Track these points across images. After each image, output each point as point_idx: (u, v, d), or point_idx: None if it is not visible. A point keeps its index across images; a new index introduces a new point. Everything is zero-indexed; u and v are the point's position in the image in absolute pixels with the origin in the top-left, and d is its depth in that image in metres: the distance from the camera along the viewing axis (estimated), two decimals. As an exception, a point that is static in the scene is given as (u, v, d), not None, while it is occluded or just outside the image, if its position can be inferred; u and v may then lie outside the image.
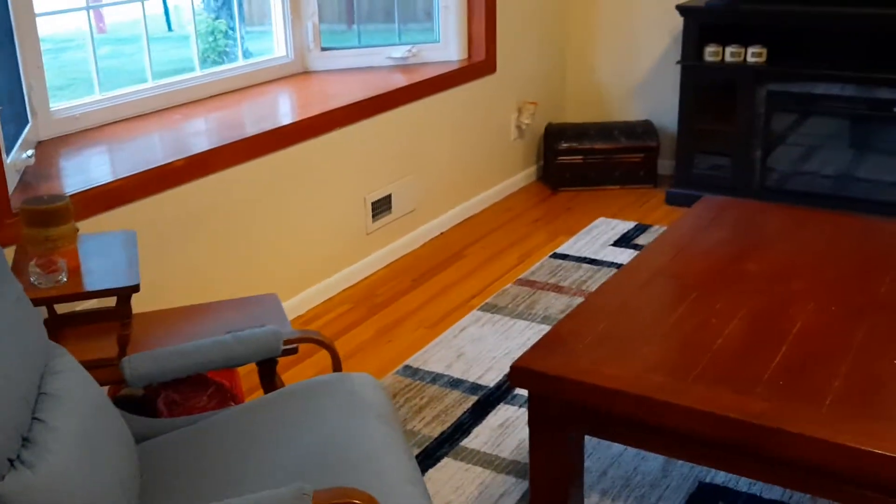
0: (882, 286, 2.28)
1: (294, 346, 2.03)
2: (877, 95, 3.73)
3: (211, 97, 3.35)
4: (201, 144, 2.87)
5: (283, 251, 3.18)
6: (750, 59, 3.94)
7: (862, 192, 3.93)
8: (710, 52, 4.01)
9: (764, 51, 3.94)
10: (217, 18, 7.35)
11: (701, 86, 4.09)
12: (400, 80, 3.68)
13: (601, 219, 4.06)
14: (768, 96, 3.93)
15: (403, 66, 3.88)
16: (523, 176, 4.55)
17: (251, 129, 3.02)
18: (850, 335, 2.05)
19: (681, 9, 4.02)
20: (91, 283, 2.09)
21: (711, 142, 4.19)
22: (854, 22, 3.74)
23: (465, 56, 4.04)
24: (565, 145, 4.42)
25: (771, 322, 2.12)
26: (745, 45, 3.96)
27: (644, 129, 4.46)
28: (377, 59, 3.88)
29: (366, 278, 3.54)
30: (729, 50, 3.97)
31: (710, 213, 2.85)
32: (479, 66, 4.03)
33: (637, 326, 2.13)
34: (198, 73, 3.37)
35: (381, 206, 3.60)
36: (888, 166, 3.86)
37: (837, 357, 1.95)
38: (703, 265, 2.50)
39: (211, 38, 7.28)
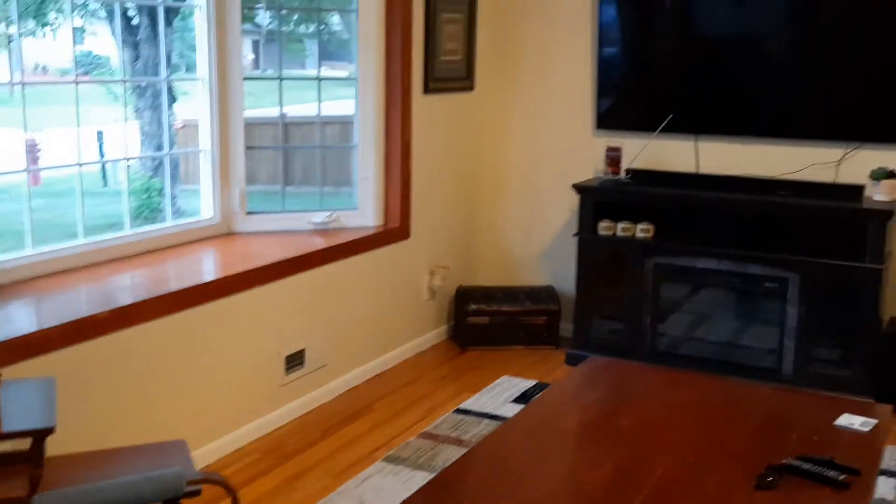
0: (737, 442, 2.56)
1: (197, 487, 2.19)
2: (749, 271, 4.15)
3: (140, 254, 3.58)
4: (125, 298, 3.08)
5: (198, 401, 3.35)
6: (639, 234, 4.36)
7: (744, 358, 4.28)
8: (604, 227, 4.41)
9: (652, 227, 4.36)
10: (153, 177, 7.67)
11: (596, 256, 4.48)
12: (319, 244, 3.97)
13: (505, 377, 4.32)
14: (655, 268, 4.33)
15: (323, 231, 4.18)
16: (434, 335, 4.83)
17: (174, 285, 3.25)
18: (703, 484, 2.30)
19: (577, 187, 4.45)
20: (8, 424, 2.25)
21: (607, 307, 4.53)
22: (730, 206, 4.20)
23: (382, 222, 4.38)
24: (474, 307, 4.73)
25: (634, 471, 2.37)
26: (636, 221, 4.38)
27: (547, 294, 4.81)
28: (299, 224, 4.18)
29: (277, 429, 3.70)
30: (620, 225, 4.39)
31: (592, 373, 3.13)
32: (393, 232, 4.36)
33: (514, 474, 2.35)
34: (128, 231, 3.61)
35: (295, 360, 3.81)
36: (765, 335, 4.23)
37: (690, 502, 2.20)
38: (580, 419, 2.76)
39: (146, 196, 7.58)
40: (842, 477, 2.23)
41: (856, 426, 2.60)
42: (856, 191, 4.12)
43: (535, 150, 4.95)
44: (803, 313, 4.05)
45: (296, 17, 4.37)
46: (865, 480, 2.27)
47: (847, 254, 3.94)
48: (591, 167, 4.73)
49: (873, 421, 2.63)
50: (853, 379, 3.98)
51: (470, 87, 4.82)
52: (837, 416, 2.68)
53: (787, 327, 4.10)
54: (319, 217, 4.21)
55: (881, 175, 3.99)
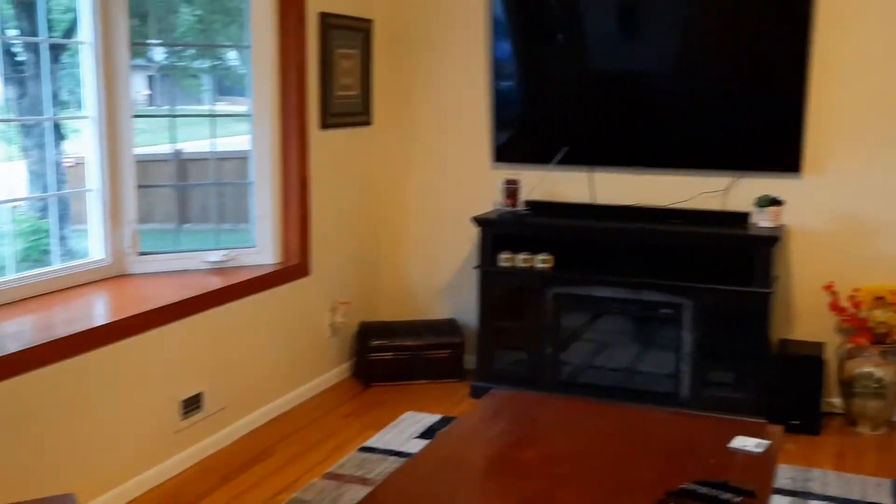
0: (638, 469, 2.59)
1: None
2: (646, 298, 4.24)
3: (26, 299, 3.43)
4: (11, 345, 2.93)
5: (89, 451, 3.21)
6: (538, 265, 4.41)
7: (644, 384, 4.35)
8: (504, 259, 4.45)
9: (551, 258, 4.42)
10: (42, 217, 7.38)
11: (497, 288, 4.51)
12: (215, 283, 3.88)
13: (409, 412, 4.29)
14: (555, 298, 4.38)
15: (220, 270, 4.09)
16: (337, 372, 4.77)
17: (62, 330, 3.11)
18: (604, 513, 2.32)
19: (476, 220, 4.48)
20: None
21: (509, 338, 4.56)
22: (625, 234, 4.29)
23: (280, 260, 4.31)
24: (377, 342, 4.69)
25: (539, 502, 2.37)
26: (535, 252, 4.43)
27: (450, 327, 4.82)
28: (194, 263, 4.08)
29: (174, 477, 3.58)
30: (520, 257, 4.43)
31: (495, 406, 3.13)
32: (293, 269, 4.30)
33: (417, 512, 2.33)
34: (12, 275, 3.46)
35: (192, 405, 3.70)
36: (663, 361, 4.32)
37: (589, 533, 2.21)
38: (484, 453, 2.76)
39: (34, 238, 7.27)
40: (737, 499, 2.28)
41: (749, 448, 2.67)
42: (742, 218, 4.27)
43: (435, 184, 4.97)
44: (698, 338, 4.16)
45: (191, 51, 4.29)
46: (760, 501, 2.32)
47: (737, 279, 4.07)
48: (490, 200, 4.78)
49: (766, 442, 2.71)
50: (747, 400, 4.10)
51: (367, 122, 4.82)
52: (732, 438, 2.74)
53: (683, 352, 4.20)
54: (215, 256, 4.12)
55: (766, 202, 4.15)
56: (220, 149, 4.30)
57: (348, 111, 4.63)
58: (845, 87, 4.16)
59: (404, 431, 4.06)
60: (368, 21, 4.72)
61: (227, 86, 6.17)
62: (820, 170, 4.24)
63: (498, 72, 4.69)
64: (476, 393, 4.51)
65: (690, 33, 4.38)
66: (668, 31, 4.40)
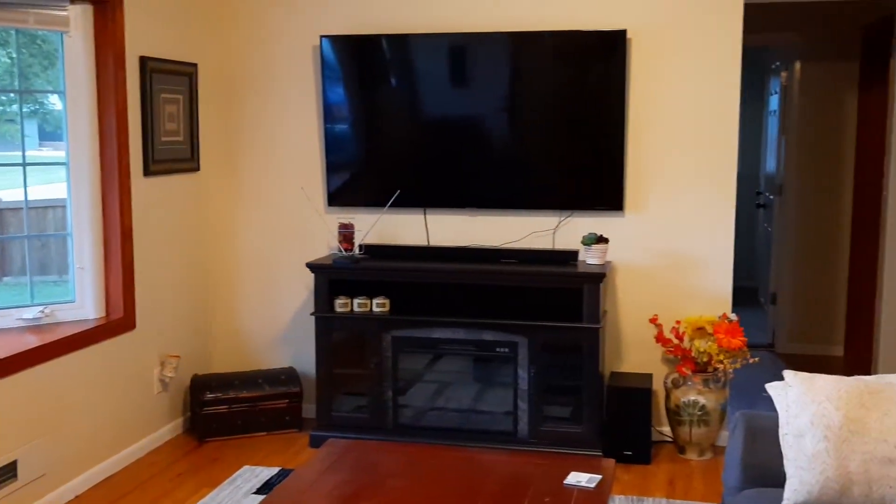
0: (474, 512, 2.58)
1: None
2: (483, 338, 4.29)
3: None
4: None
5: None
6: (375, 309, 4.38)
7: (484, 423, 4.38)
8: (340, 304, 4.40)
9: (387, 301, 4.40)
10: None
11: (335, 334, 4.44)
12: (31, 342, 3.63)
13: (246, 467, 4.13)
14: (393, 342, 4.36)
15: (36, 327, 3.84)
16: (169, 429, 4.55)
17: None
18: (443, 561, 2.29)
19: (311, 266, 4.42)
20: None
21: (349, 384, 4.50)
22: (460, 275, 4.33)
23: (103, 314, 4.09)
24: (211, 395, 4.52)
25: (375, 556, 2.31)
26: (372, 296, 4.40)
27: (287, 376, 4.70)
28: (7, 321, 3.81)
29: (-15, 555, 3.30)
30: (356, 301, 4.39)
31: (332, 456, 3.06)
32: (117, 323, 4.09)
33: (249, 575, 2.22)
34: None
35: (6, 473, 3.42)
36: (501, 399, 4.36)
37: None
38: (320, 507, 2.67)
39: None
40: (572, 536, 2.30)
41: (583, 483, 2.72)
42: (571, 256, 4.40)
43: (268, 230, 4.87)
44: (533, 375, 4.23)
45: (10, 95, 4.04)
46: (593, 536, 2.36)
47: (568, 315, 4.18)
48: (325, 245, 4.73)
49: (598, 476, 2.76)
50: (584, 434, 4.19)
51: (195, 168, 4.67)
52: (567, 474, 2.78)
53: (520, 390, 4.26)
54: (31, 312, 3.87)
55: (592, 240, 4.29)
56: (45, 196, 4.06)
57: (174, 157, 4.48)
58: (658, 134, 4.38)
59: (241, 488, 3.90)
60: (193, 65, 4.59)
61: (49, 132, 5.86)
62: (640, 208, 4.43)
63: (330, 116, 4.66)
64: (315, 442, 4.41)
65: (517, 81, 4.51)
66: (497, 78, 4.50)
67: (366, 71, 4.61)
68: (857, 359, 5.57)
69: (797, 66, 6.09)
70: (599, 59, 4.35)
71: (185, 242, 4.64)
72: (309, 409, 4.71)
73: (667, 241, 4.43)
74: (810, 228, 6.16)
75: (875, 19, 5.36)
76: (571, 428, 4.24)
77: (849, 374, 5.53)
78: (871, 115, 5.44)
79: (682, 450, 4.34)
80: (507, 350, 4.27)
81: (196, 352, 4.78)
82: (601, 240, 4.30)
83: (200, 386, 4.56)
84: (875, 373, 5.07)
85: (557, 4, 4.40)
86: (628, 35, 4.33)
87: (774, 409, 2.79)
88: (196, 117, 4.63)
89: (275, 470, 4.10)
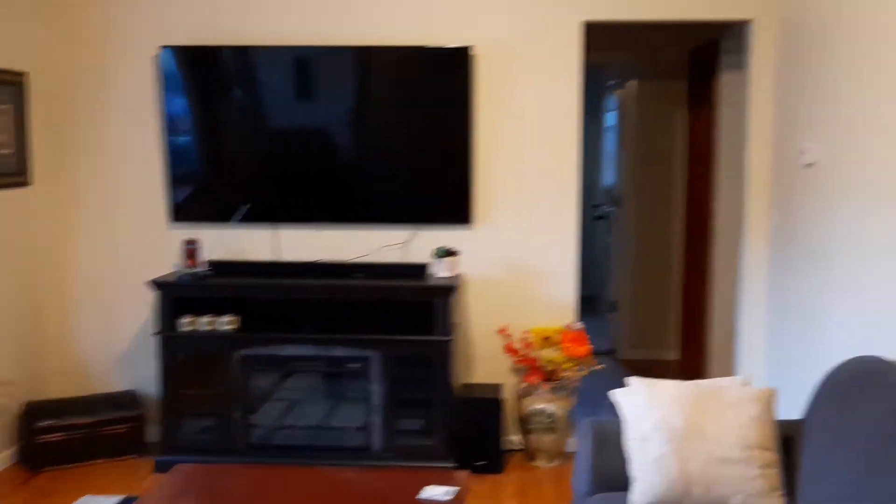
0: (330, 532, 2.54)
1: None
2: (335, 353, 4.25)
3: None
4: None
5: None
6: (223, 327, 4.26)
7: (337, 439, 4.33)
8: (185, 323, 4.25)
9: (236, 319, 4.29)
10: None
11: (180, 354, 4.29)
12: None
13: (87, 497, 3.93)
14: (242, 360, 4.25)
15: None
16: (-2, 461, 4.27)
17: None
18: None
19: (154, 284, 4.25)
20: None
21: (197, 406, 4.35)
22: (311, 291, 4.27)
23: (-77, 340, 3.80)
24: (45, 423, 4.27)
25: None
26: (219, 314, 4.28)
27: (129, 400, 4.50)
28: None
29: None
30: (203, 320, 4.26)
31: (179, 482, 2.94)
32: (-61, 349, 3.80)
33: None
34: None
35: None
36: (354, 414, 4.33)
37: None
38: (168, 537, 2.57)
39: None
40: (429, 551, 2.30)
41: (439, 496, 2.73)
42: (422, 269, 4.43)
43: (106, 247, 4.65)
44: (386, 389, 4.22)
45: None
46: (450, 550, 2.37)
47: (419, 328, 4.20)
48: (168, 261, 4.56)
49: (454, 489, 2.78)
50: (437, 446, 4.22)
51: (25, 183, 4.41)
52: (422, 489, 2.79)
53: (373, 404, 4.24)
54: None
55: (442, 254, 4.34)
56: None
57: (2, 171, 4.22)
58: (505, 148, 4.48)
59: (80, 519, 3.70)
60: (21, 74, 4.34)
61: None
62: (489, 222, 4.51)
63: (172, 127, 4.51)
64: (161, 468, 4.24)
65: (365, 95, 4.51)
66: (343, 92, 4.49)
67: (209, 83, 4.49)
68: (691, 362, 5.87)
69: (632, 84, 6.38)
70: (445, 74, 4.41)
71: (13, 262, 4.36)
72: (153, 433, 4.52)
73: (514, 253, 4.53)
74: (647, 239, 6.45)
75: (702, 42, 5.69)
76: (424, 441, 4.26)
77: (684, 376, 5.83)
78: (700, 131, 5.76)
79: (532, 457, 4.44)
80: (358, 365, 4.24)
81: (29, 377, 4.50)
82: (451, 253, 4.34)
83: (34, 413, 4.30)
84: (708, 375, 5.35)
85: (405, 20, 4.43)
86: (474, 51, 4.41)
87: (618, 415, 2.90)
88: (25, 129, 4.38)
89: (117, 498, 3.91)
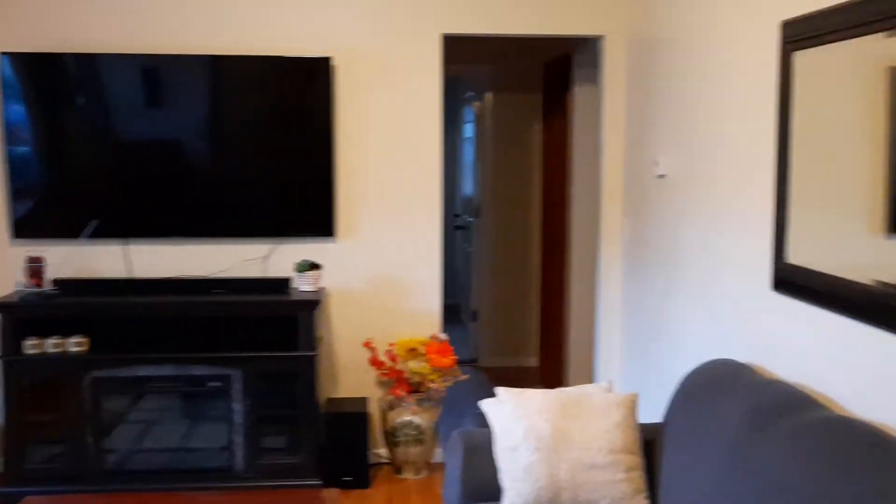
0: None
1: None
2: (194, 373, 4.10)
3: None
4: None
5: None
6: (72, 348, 4.04)
7: (197, 461, 4.18)
8: (31, 346, 4.01)
9: (86, 340, 4.07)
10: None
11: (25, 378, 4.04)
12: None
13: (-80, 537, 3.64)
14: (94, 383, 4.05)
15: None
16: None
17: None
18: None
19: (-5, 305, 3.99)
20: None
21: (44, 432, 4.10)
22: (167, 308, 4.11)
23: None
24: None
25: None
26: (67, 335, 4.05)
27: (-32, 429, 4.20)
28: None
29: None
30: (50, 342, 4.02)
31: (29, 517, 2.76)
32: None
33: None
34: None
35: None
36: (216, 435, 4.20)
37: None
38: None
39: None
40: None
41: (309, 517, 2.67)
42: (284, 283, 4.34)
43: (-60, 266, 4.33)
44: (249, 407, 4.11)
45: None
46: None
47: (283, 344, 4.11)
48: (10, 280, 4.29)
49: (324, 508, 2.73)
50: (302, 464, 4.13)
51: None
52: (291, 510, 2.72)
53: (235, 423, 4.12)
54: None
55: (305, 267, 4.27)
56: None
57: None
58: (367, 160, 4.46)
59: (-86, 562, 3.42)
60: None
61: None
62: (352, 234, 4.48)
63: (11, 137, 4.25)
64: (7, 500, 3.97)
65: (221, 106, 4.39)
66: (198, 102, 4.35)
67: (51, 91, 4.25)
68: (550, 369, 6.01)
69: (489, 96, 6.49)
70: (305, 85, 4.35)
71: None
72: (-5, 464, 4.24)
73: (379, 264, 4.51)
74: (506, 248, 6.57)
75: (555, 56, 5.85)
76: (289, 458, 4.17)
77: (544, 383, 5.96)
78: (555, 143, 5.92)
79: (398, 470, 4.42)
80: (219, 384, 4.12)
81: None
82: (314, 266, 4.28)
83: None
84: (567, 381, 5.49)
85: (265, 29, 4.34)
86: (335, 62, 4.37)
87: (484, 424, 2.93)
88: None
89: (-44, 537, 3.64)
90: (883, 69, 2.21)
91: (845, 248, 2.35)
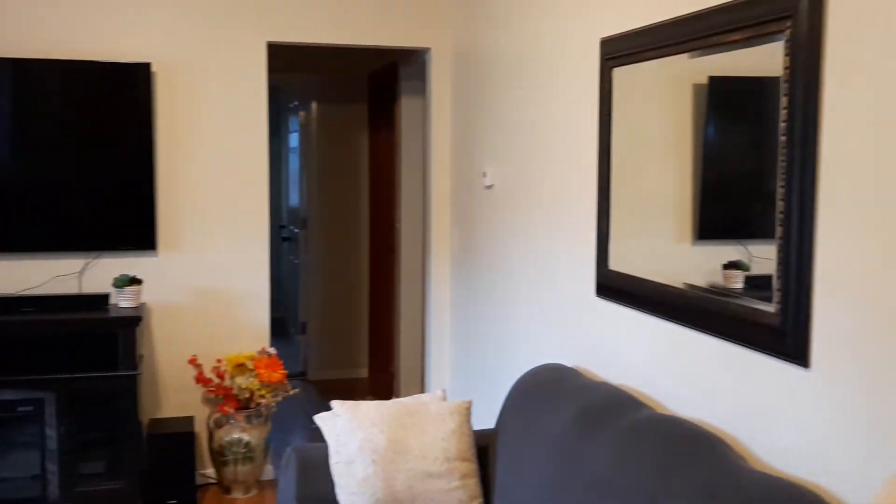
0: None
1: None
2: (1, 398, 3.81)
3: None
4: None
5: None
6: None
7: (7, 492, 3.89)
8: None
9: None
10: None
11: None
12: None
13: None
14: None
15: None
16: None
17: None
18: None
19: None
20: None
21: None
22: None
23: None
24: None
25: None
26: None
27: None
28: None
29: None
30: None
31: None
32: None
33: None
34: None
35: None
36: (27, 462, 3.92)
37: None
38: None
39: None
40: None
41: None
42: (102, 300, 4.12)
43: None
44: (64, 432, 3.87)
45: None
46: None
47: (102, 364, 3.89)
48: None
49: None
50: (124, 489, 3.93)
51: None
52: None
53: (49, 450, 3.87)
54: None
55: (124, 282, 4.07)
56: None
57: None
58: (191, 171, 4.31)
59: None
60: None
61: None
62: (175, 247, 4.31)
63: None
64: None
65: (28, 113, 4.11)
66: (1, 109, 4.06)
67: None
68: (380, 380, 6.01)
69: (314, 106, 6.44)
70: (122, 92, 4.15)
71: None
72: None
73: (204, 278, 4.36)
74: (334, 259, 6.52)
75: (381, 66, 5.87)
76: (110, 484, 3.95)
77: (375, 394, 5.97)
78: (382, 154, 5.94)
79: (227, 490, 4.29)
80: (30, 408, 3.85)
81: None
82: (134, 281, 4.09)
83: None
84: (398, 391, 5.51)
85: (80, 33, 4.11)
86: (154, 68, 4.20)
87: (317, 439, 2.89)
88: None
89: None
90: (689, 87, 2.36)
91: (660, 254, 2.49)
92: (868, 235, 1.74)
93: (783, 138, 1.94)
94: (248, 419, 4.24)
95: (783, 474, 1.96)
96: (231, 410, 4.21)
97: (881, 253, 1.71)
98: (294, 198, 7.43)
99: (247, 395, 4.23)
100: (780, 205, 1.96)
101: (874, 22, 1.72)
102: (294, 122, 7.33)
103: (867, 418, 1.74)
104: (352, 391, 6.10)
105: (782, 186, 1.95)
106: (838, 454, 1.82)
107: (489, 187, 3.96)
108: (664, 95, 2.47)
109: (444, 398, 2.92)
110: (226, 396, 4.23)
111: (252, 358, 4.28)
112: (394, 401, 2.86)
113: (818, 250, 1.87)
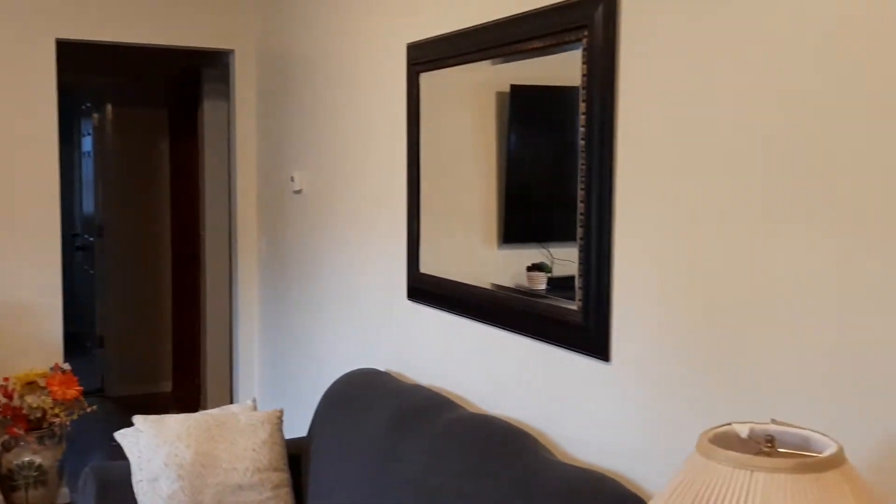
0: None
1: None
2: None
3: None
4: None
5: None
6: None
7: None
8: None
9: None
10: None
11: None
12: None
13: None
14: None
15: None
16: None
17: None
18: None
19: None
20: None
21: None
22: None
23: None
24: None
25: None
26: None
27: None
28: None
29: None
30: None
31: None
32: None
33: None
34: None
35: None
36: None
37: None
38: None
39: None
40: None
41: None
42: None
43: None
44: None
45: None
46: None
47: None
48: None
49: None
50: None
51: None
52: None
53: None
54: None
55: None
56: None
57: None
58: (-29, 170, 3.99)
59: None
60: None
61: None
62: (-47, 257, 3.97)
63: None
64: None
65: None
66: None
67: None
68: (185, 393, 5.79)
69: (109, 108, 6.12)
70: None
71: None
72: None
73: (-14, 291, 4.04)
74: (133, 269, 6.22)
75: (182, 70, 5.65)
76: None
77: (179, 407, 5.76)
78: (184, 159, 5.73)
79: (17, 518, 3.99)
80: None
81: None
82: None
83: None
84: (205, 404, 5.33)
85: None
86: (-74, 64, 3.85)
87: (118, 457, 2.74)
88: None
89: None
90: (493, 95, 2.42)
91: (468, 258, 2.54)
92: (661, 237, 1.85)
93: (582, 143, 2.03)
94: (41, 440, 3.96)
95: (586, 464, 2.05)
96: (21, 432, 3.91)
97: (672, 254, 1.82)
98: (89, 205, 7.03)
99: (38, 415, 3.95)
100: (580, 207, 2.05)
101: (663, 31, 1.83)
102: (87, 125, 6.93)
103: (658, 407, 1.85)
104: (155, 406, 5.84)
105: (582, 190, 2.04)
106: (634, 441, 1.92)
107: (298, 192, 3.90)
108: (469, 102, 2.52)
109: (255, 408, 2.84)
110: (14, 417, 3.93)
111: (44, 375, 4.00)
112: (202, 413, 2.76)
113: (616, 251, 1.97)
